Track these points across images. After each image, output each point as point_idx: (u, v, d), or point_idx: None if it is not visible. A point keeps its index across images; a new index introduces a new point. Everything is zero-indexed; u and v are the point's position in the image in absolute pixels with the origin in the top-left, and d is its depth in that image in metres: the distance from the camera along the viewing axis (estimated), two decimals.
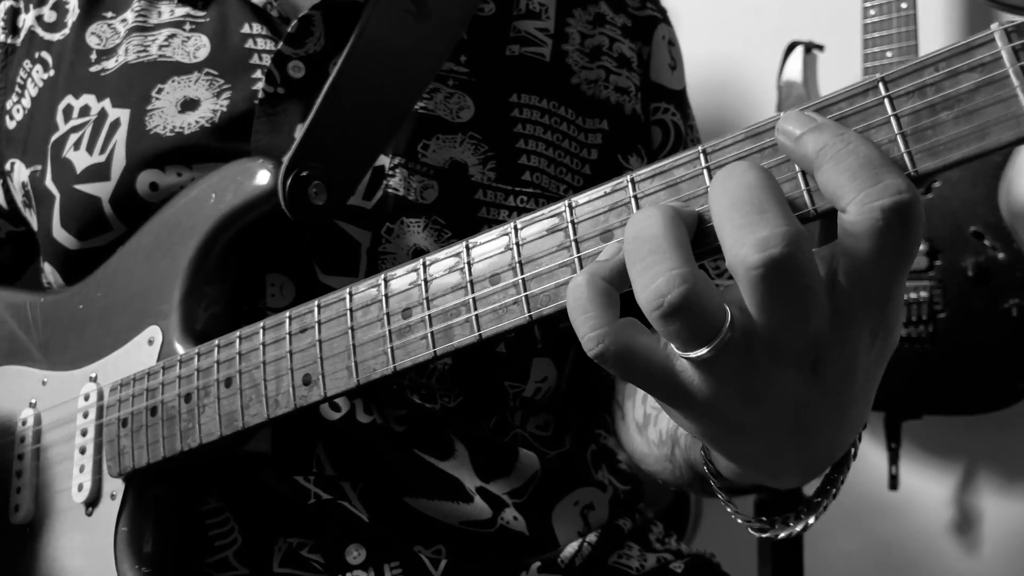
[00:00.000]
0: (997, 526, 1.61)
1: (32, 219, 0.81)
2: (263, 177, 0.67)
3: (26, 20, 0.85)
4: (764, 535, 0.49)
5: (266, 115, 0.72)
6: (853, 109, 0.40)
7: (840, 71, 1.59)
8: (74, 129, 0.76)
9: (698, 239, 0.41)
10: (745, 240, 0.36)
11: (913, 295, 1.42)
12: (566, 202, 0.46)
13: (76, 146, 0.75)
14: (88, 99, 0.77)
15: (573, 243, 0.46)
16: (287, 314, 0.59)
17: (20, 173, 0.81)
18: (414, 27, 0.73)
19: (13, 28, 0.86)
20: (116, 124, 0.74)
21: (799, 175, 0.40)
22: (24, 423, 0.76)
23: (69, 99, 0.78)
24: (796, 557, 1.48)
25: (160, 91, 0.74)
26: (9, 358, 0.81)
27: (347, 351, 0.55)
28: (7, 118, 0.83)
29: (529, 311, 0.47)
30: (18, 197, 0.83)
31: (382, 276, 0.54)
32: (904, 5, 1.40)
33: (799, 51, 1.56)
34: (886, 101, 0.39)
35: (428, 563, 0.69)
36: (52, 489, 0.73)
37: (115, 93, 0.76)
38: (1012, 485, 1.59)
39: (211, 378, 0.62)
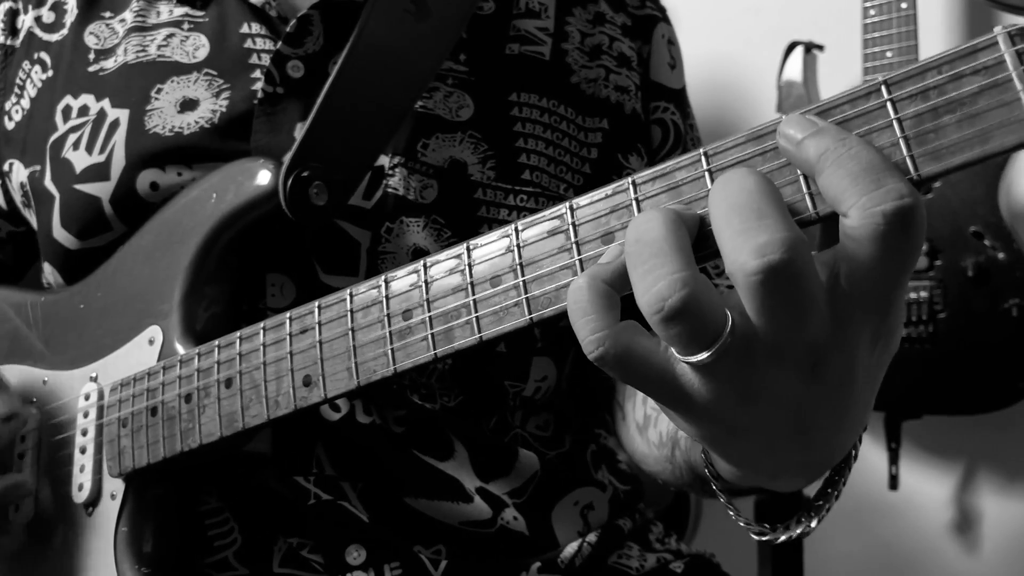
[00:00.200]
0: (997, 526, 1.61)
1: (32, 219, 0.81)
2: (264, 177, 0.67)
3: (25, 21, 0.85)
4: (765, 539, 0.49)
5: (265, 115, 0.72)
6: (855, 112, 0.40)
7: (840, 71, 1.59)
8: (73, 129, 0.76)
9: (699, 242, 0.41)
10: (744, 246, 0.36)
11: (913, 295, 1.42)
12: (567, 204, 0.46)
13: (75, 146, 0.75)
14: (87, 99, 0.77)
15: (574, 245, 0.46)
16: (288, 315, 0.59)
17: (19, 173, 0.81)
18: (413, 26, 0.72)
19: (12, 29, 0.85)
20: (115, 124, 0.74)
21: (801, 179, 0.40)
22: (24, 423, 0.76)
23: (68, 99, 0.78)
24: (796, 557, 1.48)
25: (159, 91, 0.74)
26: (9, 358, 0.81)
27: (348, 352, 0.55)
28: (6, 119, 0.83)
29: (530, 313, 0.47)
30: (17, 197, 0.83)
31: (383, 277, 0.54)
32: (904, 5, 1.40)
33: (799, 51, 1.56)
34: (888, 104, 0.39)
35: (428, 563, 0.69)
36: (52, 489, 0.73)
37: (114, 93, 0.76)
38: (1012, 485, 1.59)
39: (211, 378, 0.62)
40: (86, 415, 0.71)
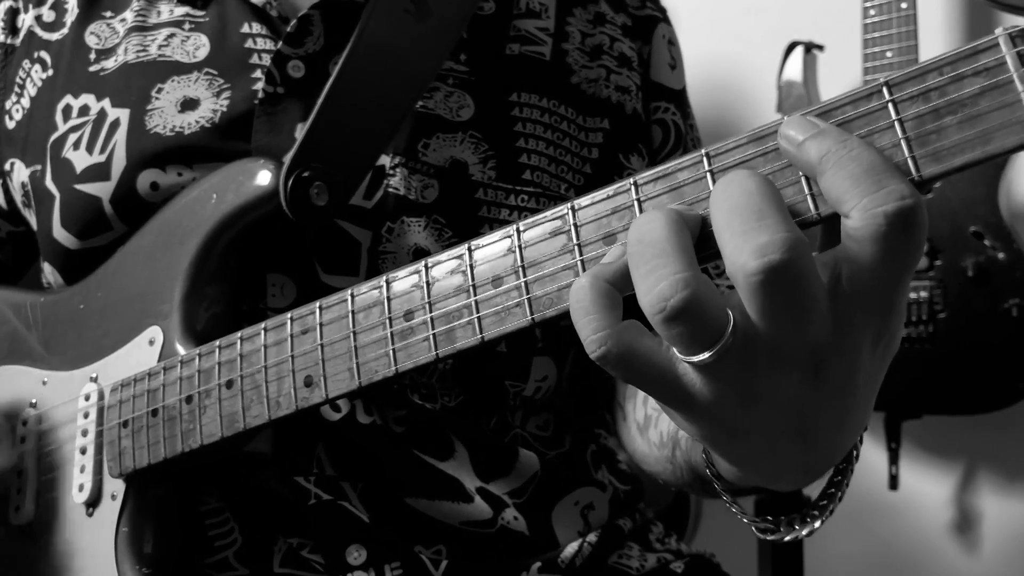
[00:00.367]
0: (997, 526, 1.61)
1: (32, 219, 0.81)
2: (264, 178, 0.67)
3: (25, 20, 0.85)
4: (769, 537, 0.49)
5: (266, 115, 0.72)
6: (857, 113, 0.40)
7: (840, 71, 1.59)
8: (73, 129, 0.76)
9: (701, 243, 0.41)
10: (744, 246, 0.36)
11: (913, 295, 1.42)
12: (569, 205, 0.46)
13: (76, 146, 0.75)
14: (87, 99, 0.77)
15: (576, 246, 0.46)
16: (289, 315, 0.59)
17: (20, 173, 0.81)
18: (414, 26, 0.73)
19: (13, 28, 0.85)
20: (116, 124, 0.74)
21: (802, 179, 0.40)
22: (24, 423, 0.76)
23: (68, 99, 0.78)
24: (796, 557, 1.48)
25: (160, 91, 0.74)
26: (9, 358, 0.81)
27: (349, 353, 0.55)
28: (6, 118, 0.83)
29: (531, 314, 0.47)
30: (18, 197, 0.83)
31: (384, 278, 0.54)
32: (904, 5, 1.40)
33: (799, 51, 1.56)
34: (890, 105, 0.39)
35: (429, 563, 0.69)
36: (53, 489, 0.73)
37: (114, 93, 0.76)
38: (1012, 485, 1.60)
39: (212, 379, 0.62)
40: (86, 416, 0.71)
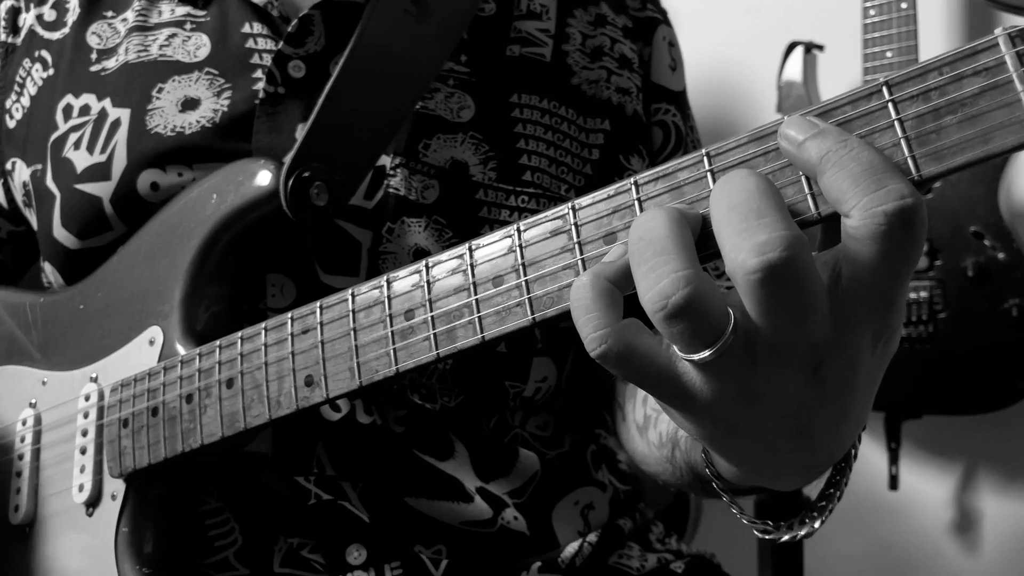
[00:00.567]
0: (997, 526, 1.61)
1: (32, 219, 0.81)
2: (264, 178, 0.67)
3: (26, 19, 0.85)
4: (768, 537, 0.49)
5: (267, 115, 0.72)
6: (857, 113, 0.40)
7: (840, 71, 1.59)
8: (74, 128, 0.76)
9: (702, 242, 0.41)
10: (743, 245, 0.36)
11: (913, 295, 1.42)
12: (569, 204, 0.46)
13: (76, 145, 0.75)
14: (88, 98, 0.77)
15: (576, 245, 0.46)
16: (289, 315, 0.59)
17: (21, 172, 0.81)
18: (414, 27, 0.73)
19: (14, 27, 0.86)
20: (116, 124, 0.74)
21: (803, 179, 0.40)
22: (24, 423, 0.76)
23: (69, 98, 0.78)
24: (796, 557, 1.48)
25: (160, 90, 0.74)
26: (9, 358, 0.81)
27: (349, 352, 0.55)
28: (7, 117, 0.83)
29: (532, 313, 0.47)
30: (18, 196, 0.83)
31: (385, 277, 0.54)
32: (904, 5, 1.40)
33: (799, 51, 1.56)
34: (890, 105, 0.39)
35: (429, 563, 0.69)
36: (52, 489, 0.73)
37: (115, 93, 0.76)
38: (1012, 485, 1.60)
39: (213, 379, 0.62)
40: (86, 416, 0.71)
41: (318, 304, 0.57)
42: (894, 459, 1.54)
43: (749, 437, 0.42)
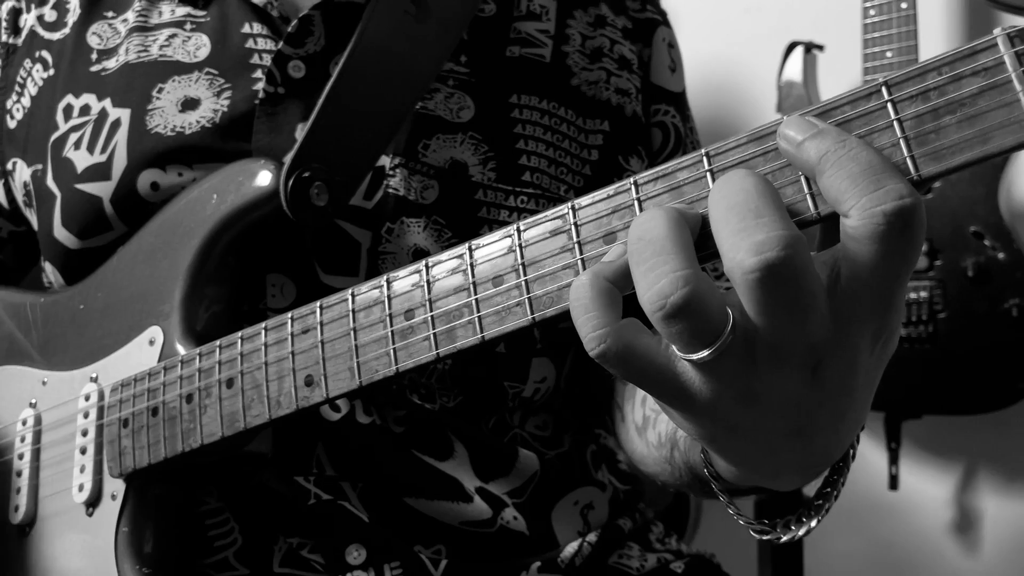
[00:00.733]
0: (997, 526, 1.61)
1: (33, 219, 0.81)
2: (264, 178, 0.67)
3: (27, 20, 0.85)
4: (766, 537, 0.49)
5: (266, 115, 0.72)
6: (856, 113, 0.40)
7: (840, 71, 1.59)
8: (74, 128, 0.76)
9: (701, 242, 0.41)
10: (741, 244, 0.36)
11: (913, 295, 1.42)
12: (569, 204, 0.46)
13: (76, 145, 0.75)
14: (88, 99, 0.77)
15: (576, 245, 0.46)
16: (289, 315, 0.59)
17: (22, 172, 0.81)
18: (414, 27, 0.73)
19: (15, 28, 0.86)
20: (117, 124, 0.74)
21: (802, 179, 0.40)
22: (24, 423, 0.76)
23: (69, 98, 0.78)
24: (796, 557, 1.48)
25: (160, 91, 0.74)
26: (9, 358, 0.81)
27: (349, 352, 0.55)
28: (8, 117, 0.83)
29: (532, 313, 0.47)
30: (19, 196, 0.83)
31: (385, 277, 0.54)
32: (904, 5, 1.40)
33: (799, 51, 1.56)
34: (889, 105, 0.39)
35: (428, 563, 0.69)
36: (52, 489, 0.73)
37: (115, 93, 0.76)
38: (1012, 485, 1.60)
39: (213, 378, 0.62)
40: (86, 415, 0.71)
41: (318, 304, 0.57)
42: (894, 459, 1.54)
43: (748, 437, 0.42)
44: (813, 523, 0.47)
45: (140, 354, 0.69)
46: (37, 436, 0.75)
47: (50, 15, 0.84)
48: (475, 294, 0.49)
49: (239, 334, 0.62)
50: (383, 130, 0.70)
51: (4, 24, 0.86)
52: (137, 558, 0.66)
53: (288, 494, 0.68)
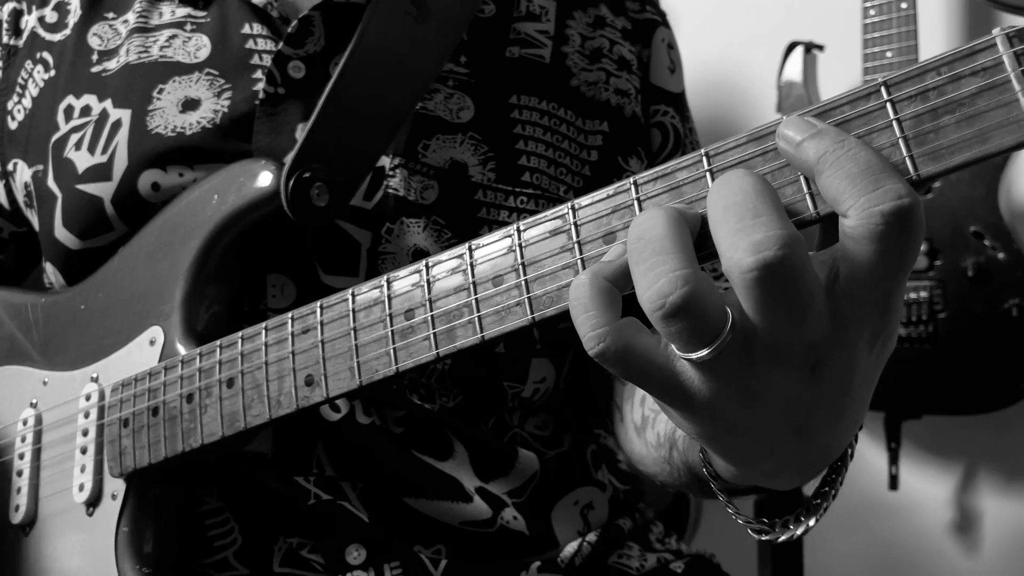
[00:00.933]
0: (997, 526, 1.61)
1: (34, 219, 0.81)
2: (265, 179, 0.67)
3: (28, 21, 0.85)
4: (764, 537, 0.49)
5: (267, 115, 0.72)
6: (855, 112, 0.40)
7: (840, 71, 1.59)
8: (75, 129, 0.77)
9: (700, 241, 0.41)
10: (739, 243, 0.36)
11: (913, 295, 1.42)
12: (569, 204, 0.46)
13: (77, 146, 0.76)
14: (89, 99, 0.77)
15: (576, 245, 0.46)
16: (290, 315, 0.59)
17: (23, 173, 0.81)
18: (414, 28, 0.73)
19: (16, 30, 0.86)
20: (117, 124, 0.75)
21: (801, 179, 0.40)
22: (24, 423, 0.76)
23: (70, 99, 0.78)
24: (796, 557, 1.48)
25: (161, 91, 0.74)
26: (9, 358, 0.81)
27: (349, 352, 0.55)
28: (9, 118, 0.83)
29: (532, 313, 0.47)
30: (20, 197, 0.83)
31: (385, 277, 0.54)
32: (904, 5, 1.40)
33: (799, 51, 1.56)
34: (888, 105, 0.39)
35: (428, 563, 0.70)
36: (53, 489, 0.73)
37: (116, 93, 0.76)
38: (1012, 485, 1.60)
39: (213, 378, 0.63)
40: (87, 415, 0.71)
41: (318, 304, 0.57)
42: (894, 459, 1.54)
43: (747, 436, 0.42)
44: (811, 522, 0.47)
45: (141, 354, 0.69)
46: (38, 436, 0.75)
47: (51, 16, 0.84)
48: (475, 294, 0.49)
49: (239, 334, 0.62)
50: (383, 130, 0.70)
51: (5, 26, 0.86)
52: (137, 558, 0.66)
53: (288, 494, 0.69)
